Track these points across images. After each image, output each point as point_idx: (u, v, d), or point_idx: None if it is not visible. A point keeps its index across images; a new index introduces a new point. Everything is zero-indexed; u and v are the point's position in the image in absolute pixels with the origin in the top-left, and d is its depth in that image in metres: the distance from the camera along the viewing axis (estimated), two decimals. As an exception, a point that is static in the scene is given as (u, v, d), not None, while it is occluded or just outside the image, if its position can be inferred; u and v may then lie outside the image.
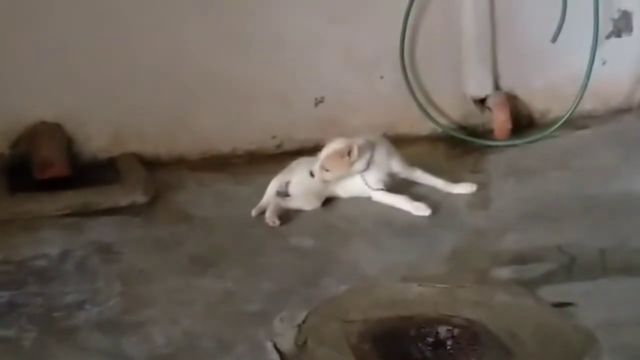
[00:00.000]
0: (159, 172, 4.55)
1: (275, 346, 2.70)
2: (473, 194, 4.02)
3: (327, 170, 3.94)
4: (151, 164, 4.64)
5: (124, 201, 4.09)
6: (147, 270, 3.39)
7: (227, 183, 4.38)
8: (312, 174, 3.94)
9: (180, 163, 4.74)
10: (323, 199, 4.01)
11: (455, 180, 4.13)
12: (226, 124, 4.85)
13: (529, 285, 2.99)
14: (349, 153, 3.94)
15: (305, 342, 2.71)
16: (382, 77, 4.98)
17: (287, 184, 4.02)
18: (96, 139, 4.73)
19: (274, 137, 4.92)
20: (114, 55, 4.65)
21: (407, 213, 3.82)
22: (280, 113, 4.88)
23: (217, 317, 2.96)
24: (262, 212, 3.87)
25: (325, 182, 3.94)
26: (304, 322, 2.84)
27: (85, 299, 3.15)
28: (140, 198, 4.13)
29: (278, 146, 4.92)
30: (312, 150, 4.57)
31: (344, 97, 4.95)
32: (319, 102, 4.95)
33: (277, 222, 3.79)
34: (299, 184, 4.02)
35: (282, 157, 4.55)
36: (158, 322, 2.93)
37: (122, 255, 3.54)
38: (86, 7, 4.57)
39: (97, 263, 3.48)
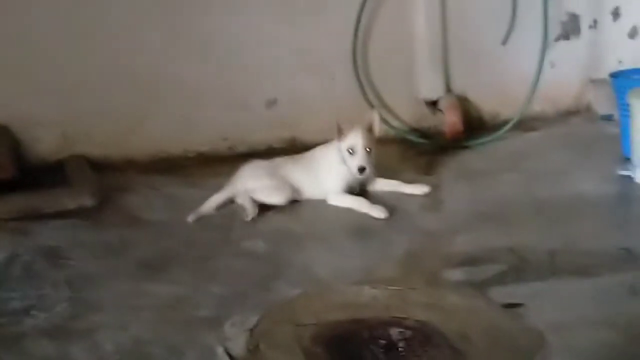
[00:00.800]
0: (108, 174, 4.52)
1: (226, 351, 2.67)
2: (426, 196, 4.06)
3: (369, 151, 3.98)
4: (100, 167, 4.61)
5: (72, 204, 4.04)
6: (96, 275, 3.35)
7: (177, 186, 4.37)
8: (361, 170, 3.96)
9: (130, 165, 4.71)
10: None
11: (409, 180, 4.17)
12: (177, 126, 4.83)
13: (480, 286, 3.01)
14: (371, 126, 4.03)
15: (257, 347, 2.69)
16: (334, 79, 5.00)
17: (235, 196, 4.03)
18: (44, 141, 4.67)
19: (225, 139, 4.91)
20: (63, 57, 4.60)
21: (361, 216, 3.84)
22: (232, 115, 4.88)
23: (168, 323, 2.93)
24: (200, 218, 3.88)
25: (361, 172, 3.97)
26: (255, 326, 2.80)
27: (32, 304, 3.10)
28: (88, 201, 4.09)
29: (230, 148, 4.91)
30: (264, 152, 4.58)
31: (297, 99, 4.97)
32: (271, 103, 4.94)
33: (255, 212, 3.86)
34: (331, 177, 4.06)
35: (234, 159, 4.54)
36: (107, 328, 2.89)
37: (70, 260, 3.49)
38: (36, 7, 4.52)
39: (44, 268, 3.42)
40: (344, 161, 4.02)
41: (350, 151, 3.98)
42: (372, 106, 4.81)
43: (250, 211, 3.88)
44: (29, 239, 3.72)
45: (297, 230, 3.75)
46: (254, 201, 3.94)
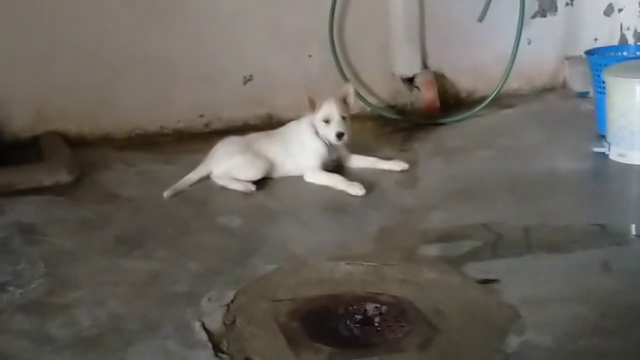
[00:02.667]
0: (84, 151, 4.50)
1: (203, 326, 2.69)
2: (402, 173, 4.07)
3: (344, 118, 4.00)
4: (76, 143, 4.59)
5: (47, 181, 4.03)
6: (72, 251, 3.34)
7: (154, 162, 4.36)
8: (339, 135, 3.96)
9: (105, 142, 4.70)
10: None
11: (385, 157, 4.18)
12: (153, 103, 4.81)
13: (455, 262, 3.03)
14: (345, 98, 4.06)
15: (233, 322, 2.71)
16: (310, 56, 4.99)
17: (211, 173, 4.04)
18: (18, 118, 4.64)
19: (201, 116, 4.89)
20: (36, 32, 4.56)
21: (337, 193, 3.84)
22: (208, 92, 4.86)
23: (144, 298, 2.92)
24: (176, 194, 3.88)
25: (340, 138, 3.98)
26: (232, 301, 2.83)
27: (8, 280, 3.08)
28: (64, 177, 4.07)
29: (206, 125, 4.91)
30: (240, 129, 4.56)
31: (273, 76, 4.95)
32: (247, 80, 4.93)
33: (254, 188, 3.89)
34: (303, 151, 4.07)
35: (210, 136, 4.53)
36: (83, 304, 2.89)
37: (46, 236, 3.48)
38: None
39: (20, 244, 3.41)
40: (318, 134, 4.03)
41: (326, 121, 3.99)
42: (347, 80, 4.81)
43: (243, 186, 3.90)
44: (5, 215, 3.70)
45: (272, 207, 3.75)
46: (236, 178, 3.96)
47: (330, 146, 4.05)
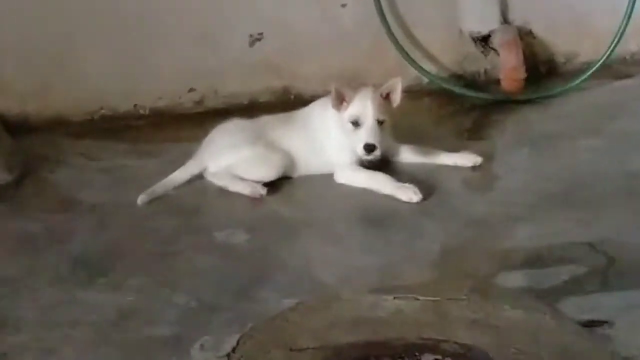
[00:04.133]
0: (30, 139, 4.53)
1: (194, 385, 2.70)
2: (472, 170, 4.07)
3: (381, 123, 4.00)
4: (16, 128, 4.62)
5: (-21, 181, 4.08)
6: (13, 279, 3.36)
7: (125, 155, 4.38)
8: (369, 149, 3.95)
9: (57, 126, 4.73)
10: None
11: (449, 148, 4.18)
12: (124, 72, 4.83)
13: (548, 296, 3.02)
14: (387, 94, 4.05)
15: (236, 379, 2.71)
16: (344, 6, 4.98)
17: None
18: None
19: (192, 90, 4.92)
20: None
21: (381, 198, 3.86)
22: (201, 56, 4.88)
23: (111, 345, 2.93)
24: (155, 199, 3.91)
25: (369, 152, 3.97)
26: (234, 350, 2.83)
27: None
28: (3, 177, 4.10)
29: (198, 102, 4.93)
30: (245, 109, 4.57)
31: (292, 34, 4.96)
32: (255, 40, 4.93)
33: (264, 191, 3.92)
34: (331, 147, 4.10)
35: (203, 117, 4.55)
36: (27, 352, 2.90)
37: (-23, 258, 3.53)
38: None
39: (-59, 269, 3.45)
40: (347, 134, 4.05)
41: (355, 123, 4.00)
42: (404, 53, 4.82)
43: (251, 188, 3.93)
44: None
45: (291, 217, 3.77)
46: (241, 178, 3.99)
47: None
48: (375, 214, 3.76)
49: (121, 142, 4.53)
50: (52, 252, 3.54)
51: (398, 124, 4.11)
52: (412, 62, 4.89)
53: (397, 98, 4.06)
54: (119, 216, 3.82)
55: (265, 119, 4.21)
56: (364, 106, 3.98)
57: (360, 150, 3.97)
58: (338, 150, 4.08)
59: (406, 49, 4.82)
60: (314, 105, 4.23)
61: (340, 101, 4.01)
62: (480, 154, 4.13)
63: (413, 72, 4.89)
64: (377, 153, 3.98)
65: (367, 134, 3.96)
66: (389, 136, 4.10)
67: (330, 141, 4.10)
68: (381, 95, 4.02)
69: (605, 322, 2.88)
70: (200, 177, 4.06)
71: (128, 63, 4.81)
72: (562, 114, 4.68)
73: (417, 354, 2.78)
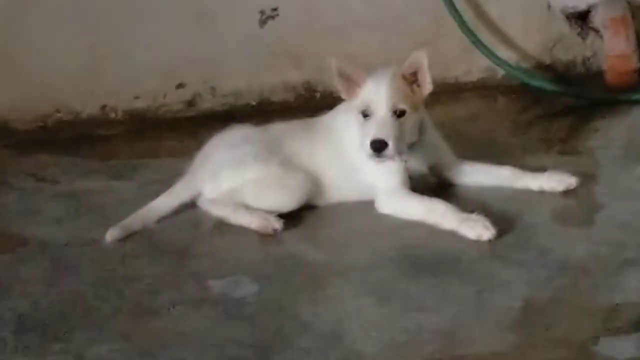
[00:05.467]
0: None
1: None
2: (565, 195, 4.07)
3: (400, 115, 3.97)
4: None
5: None
6: None
7: (89, 176, 4.41)
8: (377, 146, 3.91)
9: (-1, 135, 4.77)
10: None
11: (533, 167, 4.18)
12: (88, 62, 4.89)
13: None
14: (415, 74, 4.03)
15: None
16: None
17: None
18: None
19: (180, 86, 4.96)
20: None
21: (439, 235, 3.85)
22: (193, 40, 4.93)
23: None
24: (130, 236, 3.92)
25: (378, 151, 3.93)
26: None
27: None
28: None
29: (190, 102, 4.98)
30: (254, 112, 4.57)
31: (315, 10, 5.02)
32: (267, 18, 4.94)
33: (280, 225, 3.92)
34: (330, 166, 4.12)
35: (196, 123, 4.62)
36: None
37: None
38: None
39: None
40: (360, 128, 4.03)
41: (365, 113, 3.99)
42: (472, 37, 4.81)
43: (261, 220, 3.93)
44: None
45: (315, 262, 3.76)
46: (248, 207, 3.98)
47: (418, 148, 4.06)
48: (431, 257, 3.73)
49: (84, 157, 4.56)
50: (-11, 309, 3.54)
51: (462, 133, 4.07)
52: (484, 48, 4.90)
53: (426, 81, 4.04)
54: (80, 259, 3.82)
55: (281, 127, 4.23)
56: (376, 90, 3.97)
57: (367, 149, 3.94)
58: (377, 170, 4.06)
59: (475, 30, 4.80)
60: (340, 108, 4.23)
61: (347, 85, 4.02)
62: (576, 173, 4.12)
63: (484, 62, 4.91)
64: (389, 152, 3.93)
65: (376, 126, 3.94)
66: (446, 150, 4.12)
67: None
68: (403, 77, 4.01)
69: None
70: (192, 205, 4.06)
71: (93, 50, 4.83)
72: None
73: None
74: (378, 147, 3.91)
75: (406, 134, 3.99)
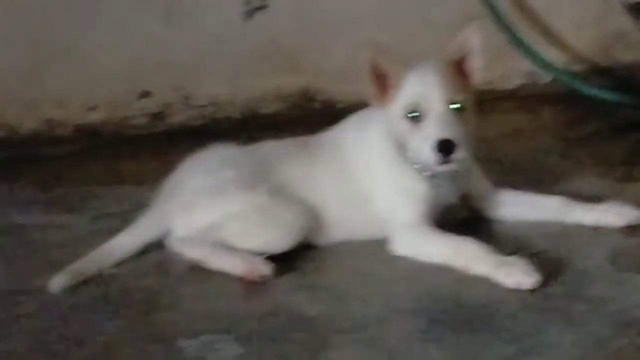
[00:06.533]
0: None
1: None
2: (627, 232, 4.09)
3: (461, 108, 3.99)
4: None
5: None
6: None
7: (30, 207, 4.45)
8: (445, 147, 3.91)
9: None
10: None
11: (587, 196, 4.22)
12: (29, 65, 4.95)
13: None
14: (461, 63, 4.08)
15: None
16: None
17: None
18: None
19: (145, 95, 5.00)
20: None
21: (469, 282, 3.87)
22: (162, 37, 5.02)
23: None
24: (82, 284, 3.94)
25: (446, 153, 3.94)
26: None
27: None
28: None
29: (157, 116, 5.01)
30: (240, 125, 4.60)
31: (313, 1, 5.03)
32: (254, 9, 4.97)
33: (269, 270, 3.92)
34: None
35: (165, 141, 4.70)
36: None
37: None
38: None
39: None
40: (402, 145, 4.05)
41: (413, 115, 4.01)
42: (511, 35, 4.83)
43: (246, 264, 3.95)
44: None
45: (314, 317, 3.76)
46: (230, 247, 4.02)
47: (439, 175, 4.08)
48: (458, 311, 3.75)
49: (23, 184, 4.60)
50: None
51: (498, 153, 4.10)
52: (525, 48, 4.92)
53: (477, 66, 4.07)
54: (15, 314, 3.83)
55: (271, 147, 4.27)
56: (425, 83, 3.98)
57: (429, 153, 3.93)
58: (394, 200, 4.10)
59: (514, 28, 4.83)
60: (348, 123, 4.28)
61: (381, 86, 4.03)
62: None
63: (525, 65, 4.96)
64: (459, 156, 3.93)
65: (435, 124, 3.94)
66: (479, 175, 4.17)
67: (380, 184, 4.13)
68: (451, 64, 4.05)
69: None
70: (159, 245, 4.09)
71: (36, 49, 4.86)
72: None
73: None
74: (446, 147, 3.89)
75: (469, 137, 4.00)
